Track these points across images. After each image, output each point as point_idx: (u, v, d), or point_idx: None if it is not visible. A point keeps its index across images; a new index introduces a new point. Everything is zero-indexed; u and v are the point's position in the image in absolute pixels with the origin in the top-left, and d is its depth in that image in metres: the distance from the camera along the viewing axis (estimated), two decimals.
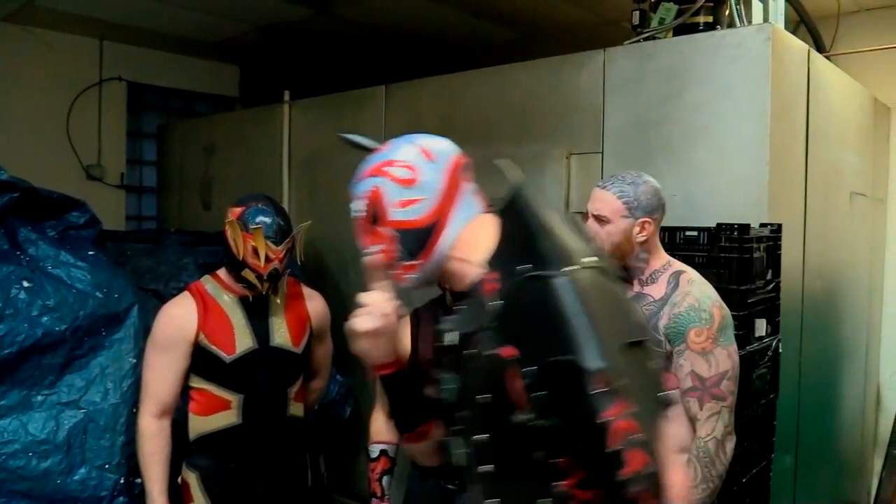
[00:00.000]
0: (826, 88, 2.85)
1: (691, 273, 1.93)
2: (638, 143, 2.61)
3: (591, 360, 0.97)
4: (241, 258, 2.21)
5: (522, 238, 1.14)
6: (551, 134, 2.85)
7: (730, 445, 1.83)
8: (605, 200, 1.91)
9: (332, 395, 3.15)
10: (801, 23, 3.60)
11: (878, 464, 3.85)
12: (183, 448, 2.28)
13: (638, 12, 2.81)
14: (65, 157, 4.72)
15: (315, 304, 2.49)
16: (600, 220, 1.91)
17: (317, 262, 3.66)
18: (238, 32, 4.72)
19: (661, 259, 1.97)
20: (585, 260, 1.08)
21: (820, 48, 3.61)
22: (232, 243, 2.23)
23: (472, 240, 1.22)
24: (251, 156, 4.22)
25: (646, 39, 2.71)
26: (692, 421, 1.83)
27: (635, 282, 1.96)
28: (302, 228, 2.40)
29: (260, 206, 2.25)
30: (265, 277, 2.22)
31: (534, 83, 2.93)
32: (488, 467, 1.11)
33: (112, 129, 5.00)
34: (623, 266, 1.93)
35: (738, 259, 2.14)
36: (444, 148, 1.29)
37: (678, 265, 1.97)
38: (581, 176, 2.75)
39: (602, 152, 2.70)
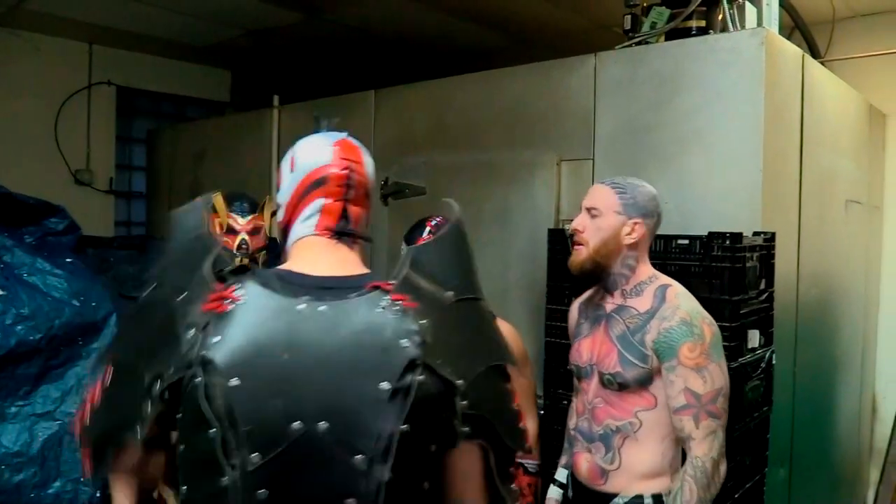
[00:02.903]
0: (821, 94, 2.81)
1: (678, 287, 1.86)
2: (629, 150, 2.57)
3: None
4: None
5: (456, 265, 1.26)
6: (542, 140, 2.80)
7: (723, 467, 1.75)
8: (600, 194, 1.87)
9: None
10: (796, 28, 3.56)
11: (873, 474, 3.80)
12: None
13: (629, 16, 2.77)
14: (53, 161, 4.67)
15: None
16: (591, 212, 1.86)
17: None
18: (229, 37, 4.67)
19: (648, 271, 1.89)
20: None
21: (815, 54, 3.57)
22: None
23: (296, 255, 1.25)
24: (241, 161, 4.17)
25: (637, 44, 2.67)
26: (683, 441, 1.75)
27: (616, 293, 1.89)
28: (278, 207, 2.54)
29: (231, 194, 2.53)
30: (235, 251, 2.39)
31: (524, 88, 2.89)
32: None
33: (101, 134, 4.96)
34: (607, 271, 1.86)
35: (731, 269, 2.09)
36: (307, 160, 1.27)
37: (664, 279, 1.89)
38: (572, 182, 2.71)
39: (593, 158, 2.66)
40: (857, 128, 3.32)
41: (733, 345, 2.08)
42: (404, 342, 1.08)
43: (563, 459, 2.08)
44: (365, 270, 1.22)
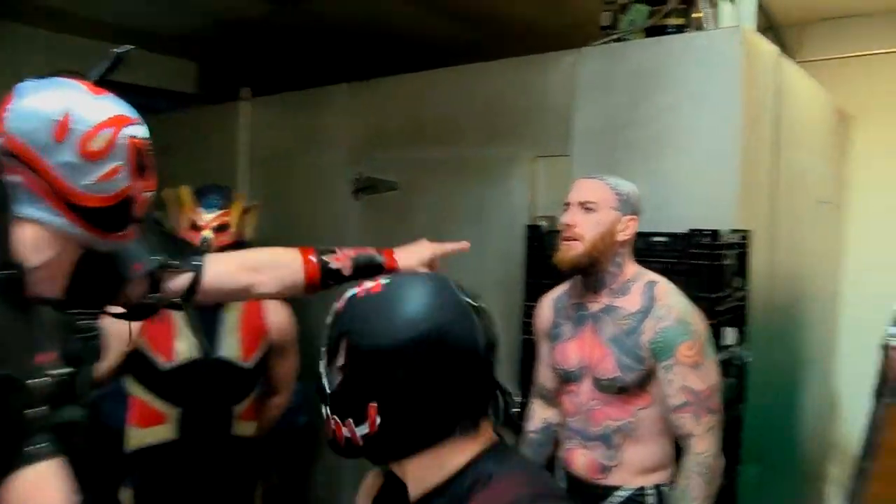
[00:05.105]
0: (794, 93, 2.83)
1: (665, 283, 1.86)
2: (607, 147, 2.55)
3: None
4: (179, 235, 2.24)
5: None
6: (518, 136, 2.78)
7: (722, 460, 1.78)
8: (596, 188, 1.84)
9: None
10: (769, 29, 3.59)
11: (833, 471, 3.85)
12: (121, 460, 2.15)
13: (609, 13, 2.75)
14: None
15: (278, 317, 2.37)
16: (587, 207, 1.82)
17: None
18: (196, 26, 4.57)
19: (633, 268, 1.89)
20: None
21: (787, 55, 3.61)
22: (173, 222, 2.29)
23: None
24: (208, 155, 4.07)
25: (616, 41, 2.66)
26: (683, 438, 1.76)
27: (603, 292, 1.86)
28: (250, 205, 2.55)
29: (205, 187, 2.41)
30: (199, 248, 2.19)
31: (501, 83, 2.86)
32: None
33: None
34: (599, 268, 1.84)
35: (710, 266, 2.09)
36: None
37: (650, 275, 1.89)
38: (548, 179, 2.69)
39: (570, 155, 2.64)
40: (827, 128, 3.36)
41: None
42: None
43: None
44: None
